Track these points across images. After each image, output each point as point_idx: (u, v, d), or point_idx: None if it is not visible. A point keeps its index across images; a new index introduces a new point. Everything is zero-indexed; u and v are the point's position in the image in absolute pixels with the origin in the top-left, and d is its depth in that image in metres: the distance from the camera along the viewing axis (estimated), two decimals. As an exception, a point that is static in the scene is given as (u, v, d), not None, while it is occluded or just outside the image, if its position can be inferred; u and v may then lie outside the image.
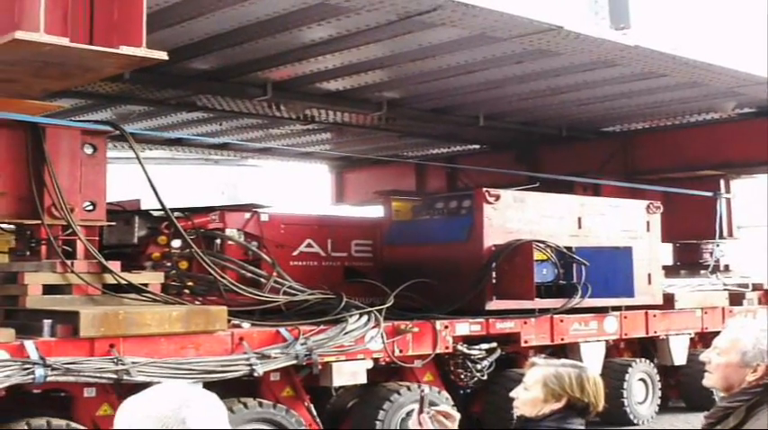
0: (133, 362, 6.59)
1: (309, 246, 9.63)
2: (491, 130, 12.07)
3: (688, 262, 12.87)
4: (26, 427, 6.26)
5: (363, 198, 15.28)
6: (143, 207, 9.31)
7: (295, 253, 9.48)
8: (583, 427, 3.47)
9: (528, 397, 3.47)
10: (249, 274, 8.52)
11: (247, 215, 9.18)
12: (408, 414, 8.04)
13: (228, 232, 9.00)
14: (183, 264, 8.76)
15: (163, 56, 5.39)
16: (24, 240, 7.64)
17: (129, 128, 9.78)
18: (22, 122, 7.26)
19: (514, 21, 7.27)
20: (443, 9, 6.93)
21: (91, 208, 7.68)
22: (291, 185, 19.03)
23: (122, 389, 6.74)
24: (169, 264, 8.75)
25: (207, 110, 10.66)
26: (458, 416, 3.43)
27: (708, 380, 3.37)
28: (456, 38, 7.99)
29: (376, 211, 14.61)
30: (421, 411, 3.39)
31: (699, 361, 3.55)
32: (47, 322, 6.54)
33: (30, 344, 6.30)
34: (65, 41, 5.07)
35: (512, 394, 3.56)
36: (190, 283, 8.58)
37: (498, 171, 11.54)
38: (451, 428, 3.37)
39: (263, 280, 8.53)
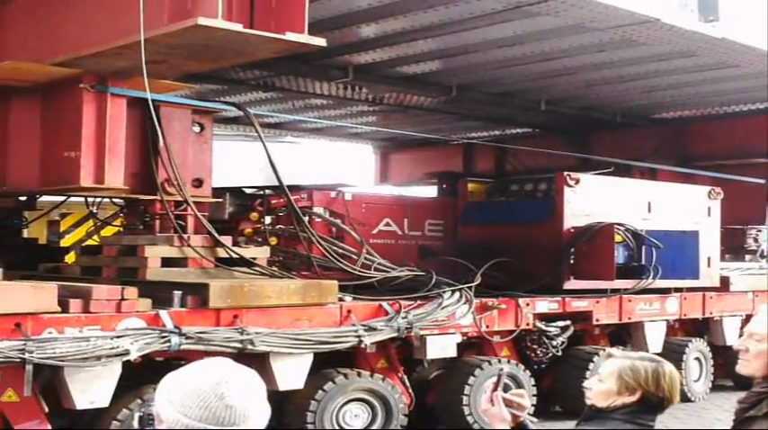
0: (256, 333, 6.92)
1: (388, 224, 10.00)
2: (547, 115, 12.33)
3: (732, 246, 13.24)
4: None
5: (407, 179, 15.59)
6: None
7: (374, 231, 9.84)
8: (653, 424, 3.40)
9: (602, 388, 3.41)
10: (340, 251, 8.81)
11: (333, 194, 9.52)
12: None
13: (316, 210, 9.33)
14: (273, 240, 9.10)
15: (322, 42, 5.67)
16: (137, 215, 7.94)
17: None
18: (140, 100, 7.52)
19: (616, 12, 7.56)
20: (554, 0, 7.22)
21: (198, 184, 7.99)
22: (330, 164, 19.26)
23: (241, 358, 7.08)
24: (260, 239, 9.09)
25: (282, 90, 10.94)
26: (528, 406, 3.34)
27: (745, 368, 3.31)
28: (550, 27, 8.27)
29: (422, 192, 14.99)
30: (495, 389, 3.32)
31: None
32: (177, 293, 6.85)
33: (165, 314, 6.62)
34: (239, 27, 5.35)
35: (585, 384, 3.57)
36: (279, 258, 8.91)
37: (561, 154, 11.86)
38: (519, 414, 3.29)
39: (353, 256, 8.85)
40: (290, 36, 5.50)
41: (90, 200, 9.01)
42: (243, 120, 13.52)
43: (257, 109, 12.17)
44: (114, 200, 8.25)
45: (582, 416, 3.53)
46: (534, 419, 3.34)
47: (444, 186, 12.97)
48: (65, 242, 14.86)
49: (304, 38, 5.55)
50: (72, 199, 9.31)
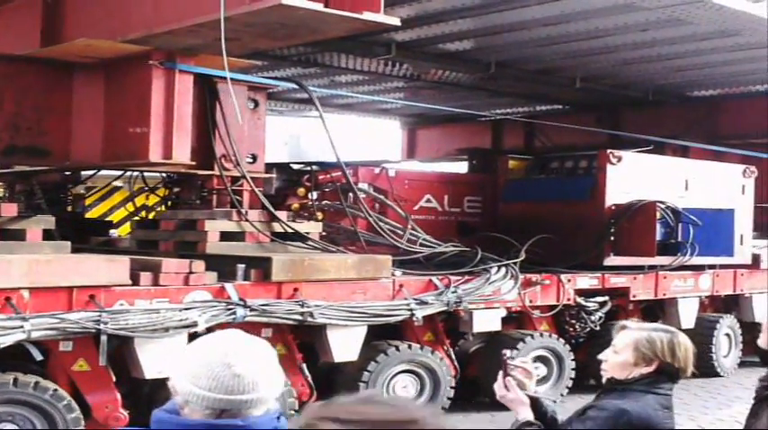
0: (316, 305, 7.11)
1: (428, 201, 10.17)
2: (579, 92, 12.43)
3: (759, 223, 13.36)
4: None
5: (434, 155, 15.72)
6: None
7: (416, 207, 10.01)
8: (671, 392, 3.48)
9: (618, 360, 3.47)
10: (387, 226, 8.97)
11: (377, 170, 9.68)
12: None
13: (361, 185, 9.49)
14: (320, 215, 9.27)
15: (396, 21, 5.79)
16: (194, 190, 8.09)
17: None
18: (198, 76, 7.63)
19: (667, -8, 7.70)
20: (607, -20, 7.35)
21: (251, 160, 8.13)
22: (356, 139, 19.39)
23: (299, 330, 7.28)
24: (306, 214, 9.25)
25: (323, 66, 11.05)
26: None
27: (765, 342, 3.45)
28: (599, 6, 8.41)
29: (448, 167, 15.11)
30: (506, 375, 3.44)
31: None
32: (240, 266, 7.02)
33: (230, 287, 6.80)
34: (319, 6, 5.46)
35: (600, 356, 3.61)
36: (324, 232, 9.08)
37: (592, 130, 12.00)
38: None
39: (398, 232, 9.01)
40: (368, 15, 5.60)
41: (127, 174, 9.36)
42: (271, 95, 13.65)
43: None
44: (164, 174, 8.40)
45: (602, 389, 3.63)
46: (551, 397, 3.47)
47: (474, 162, 13.14)
48: (90, 215, 15.07)
49: (381, 17, 5.66)
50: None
